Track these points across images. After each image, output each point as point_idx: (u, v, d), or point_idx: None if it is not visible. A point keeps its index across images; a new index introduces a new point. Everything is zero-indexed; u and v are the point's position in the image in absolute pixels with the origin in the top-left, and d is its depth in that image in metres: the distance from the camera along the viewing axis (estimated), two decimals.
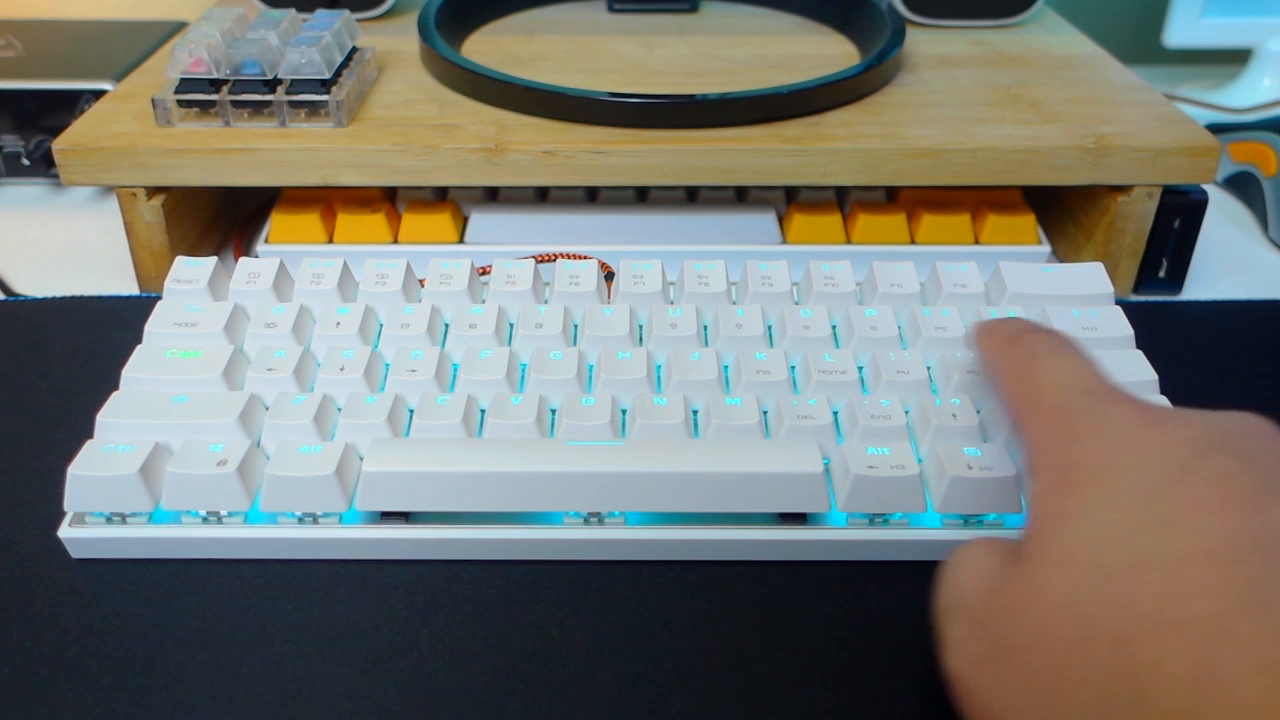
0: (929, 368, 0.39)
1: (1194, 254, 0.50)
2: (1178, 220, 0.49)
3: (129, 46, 0.62)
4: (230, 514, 0.34)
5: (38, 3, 0.75)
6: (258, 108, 0.48)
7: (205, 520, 0.34)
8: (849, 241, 0.51)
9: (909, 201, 0.52)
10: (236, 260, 0.43)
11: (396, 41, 0.58)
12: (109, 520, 0.34)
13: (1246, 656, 0.20)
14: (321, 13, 0.53)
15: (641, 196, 0.53)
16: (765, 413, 0.37)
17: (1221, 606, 0.20)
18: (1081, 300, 0.41)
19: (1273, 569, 0.21)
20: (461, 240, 0.51)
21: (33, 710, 0.30)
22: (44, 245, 0.55)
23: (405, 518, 0.35)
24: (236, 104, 0.48)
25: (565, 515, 0.35)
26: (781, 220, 0.52)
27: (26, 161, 0.59)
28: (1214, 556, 0.21)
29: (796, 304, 0.42)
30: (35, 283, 0.51)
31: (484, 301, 0.42)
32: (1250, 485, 0.23)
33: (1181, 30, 0.68)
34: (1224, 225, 0.59)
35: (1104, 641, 0.21)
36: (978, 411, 0.37)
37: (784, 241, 0.51)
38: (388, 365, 0.39)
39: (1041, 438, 0.27)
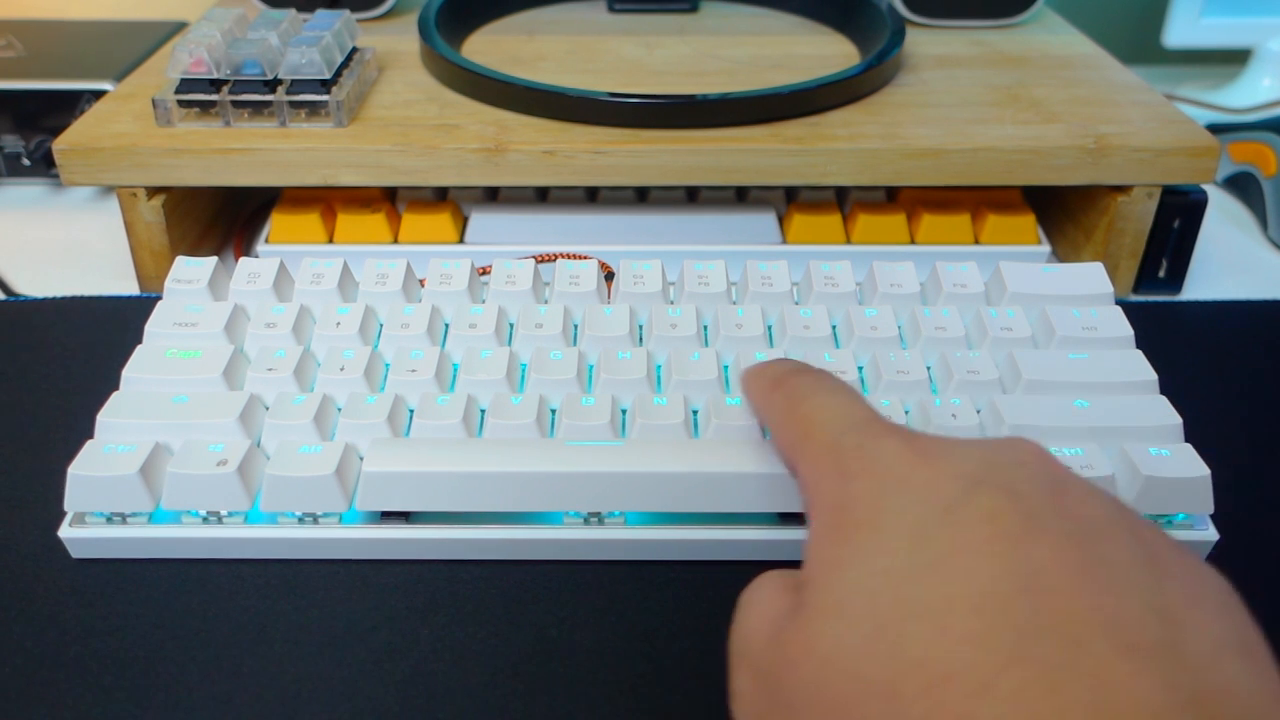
0: (929, 368, 0.39)
1: (1194, 254, 0.50)
2: (1177, 220, 0.49)
3: (129, 46, 0.62)
4: (230, 514, 0.34)
5: (38, 3, 0.75)
6: (258, 108, 0.48)
7: (205, 520, 0.34)
8: (849, 241, 0.51)
9: (909, 201, 0.52)
10: (236, 260, 0.43)
11: (396, 41, 0.58)
12: (109, 520, 0.34)
13: (1008, 713, 0.19)
14: (321, 13, 0.53)
15: (641, 196, 0.53)
16: None
17: (985, 658, 0.20)
18: (1081, 300, 0.41)
19: (1036, 615, 0.20)
20: (461, 240, 0.51)
21: (33, 710, 0.30)
22: (44, 245, 0.55)
23: (405, 518, 0.35)
24: (237, 104, 0.48)
25: (565, 515, 0.35)
26: (781, 220, 0.52)
27: (26, 161, 0.59)
28: (979, 603, 0.20)
29: (796, 304, 0.42)
30: (35, 283, 0.51)
31: (484, 301, 0.42)
32: (1016, 521, 0.22)
33: (1181, 30, 0.68)
34: (1224, 225, 0.59)
35: (875, 696, 0.21)
36: (978, 411, 0.37)
37: (784, 241, 0.51)
38: (388, 365, 0.39)
39: (814, 479, 0.26)
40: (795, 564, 0.35)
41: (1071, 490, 0.23)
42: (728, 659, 0.26)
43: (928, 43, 0.60)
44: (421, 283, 0.43)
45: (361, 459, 0.35)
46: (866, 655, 0.21)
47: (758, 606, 0.25)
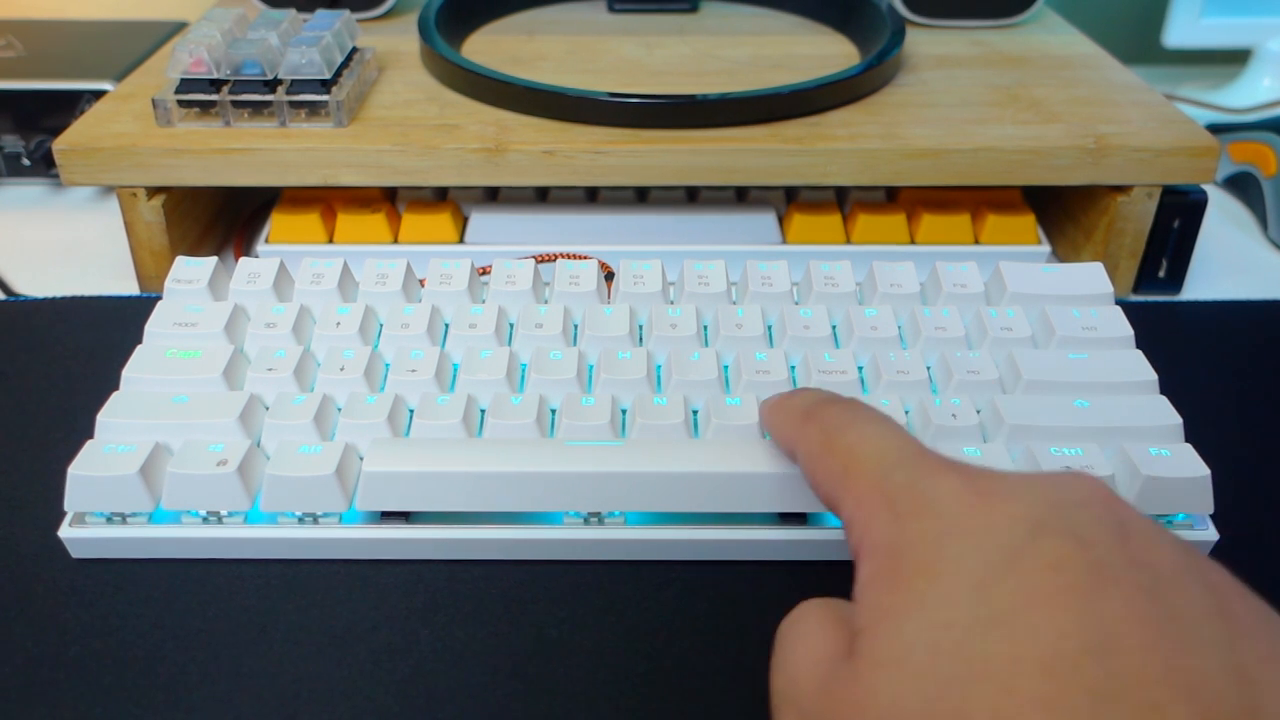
0: (929, 368, 0.39)
1: (1194, 254, 0.50)
2: (1177, 220, 0.49)
3: (129, 46, 0.62)
4: (230, 514, 0.34)
5: (38, 3, 0.75)
6: (258, 108, 0.48)
7: (205, 520, 0.34)
8: (849, 241, 0.51)
9: (909, 201, 0.52)
10: (236, 260, 0.43)
11: (396, 41, 0.58)
12: (109, 520, 0.34)
13: None
14: (321, 13, 0.53)
15: (641, 196, 0.53)
16: None
17: None
18: (1081, 300, 0.41)
19: (1110, 678, 0.19)
20: (461, 240, 0.51)
21: (33, 710, 0.30)
22: (44, 245, 0.55)
23: (405, 518, 0.35)
24: (237, 104, 0.48)
25: (565, 515, 0.35)
26: (781, 220, 0.52)
27: (26, 161, 0.59)
28: (1048, 664, 0.19)
29: (796, 304, 0.42)
30: (35, 283, 0.51)
31: (484, 301, 0.42)
32: (1083, 572, 0.21)
33: (1181, 30, 0.68)
34: (1224, 225, 0.59)
35: None
36: (977, 411, 0.37)
37: (784, 241, 0.51)
38: (388, 365, 0.39)
39: (863, 518, 0.25)
40: (795, 564, 0.35)
41: (1137, 534, 0.22)
42: (770, 696, 0.25)
43: (928, 43, 0.60)
44: (421, 283, 0.43)
45: (361, 459, 0.35)
46: (927, 715, 0.20)
47: (803, 643, 0.25)
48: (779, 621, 0.33)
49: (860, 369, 0.39)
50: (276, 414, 0.36)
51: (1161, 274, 0.50)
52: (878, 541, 0.24)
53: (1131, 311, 0.44)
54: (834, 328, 0.41)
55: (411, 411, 0.37)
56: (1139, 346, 0.40)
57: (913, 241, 0.51)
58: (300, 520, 0.34)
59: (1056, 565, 0.21)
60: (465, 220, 0.52)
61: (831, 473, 0.27)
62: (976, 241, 0.51)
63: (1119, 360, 0.38)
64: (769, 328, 0.41)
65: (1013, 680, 0.20)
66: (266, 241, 0.51)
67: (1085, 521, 0.22)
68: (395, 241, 0.51)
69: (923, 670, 0.21)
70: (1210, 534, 0.35)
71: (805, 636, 0.25)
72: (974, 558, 0.22)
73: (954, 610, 0.21)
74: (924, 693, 0.21)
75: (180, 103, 0.48)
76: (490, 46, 0.59)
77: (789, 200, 0.53)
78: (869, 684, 0.22)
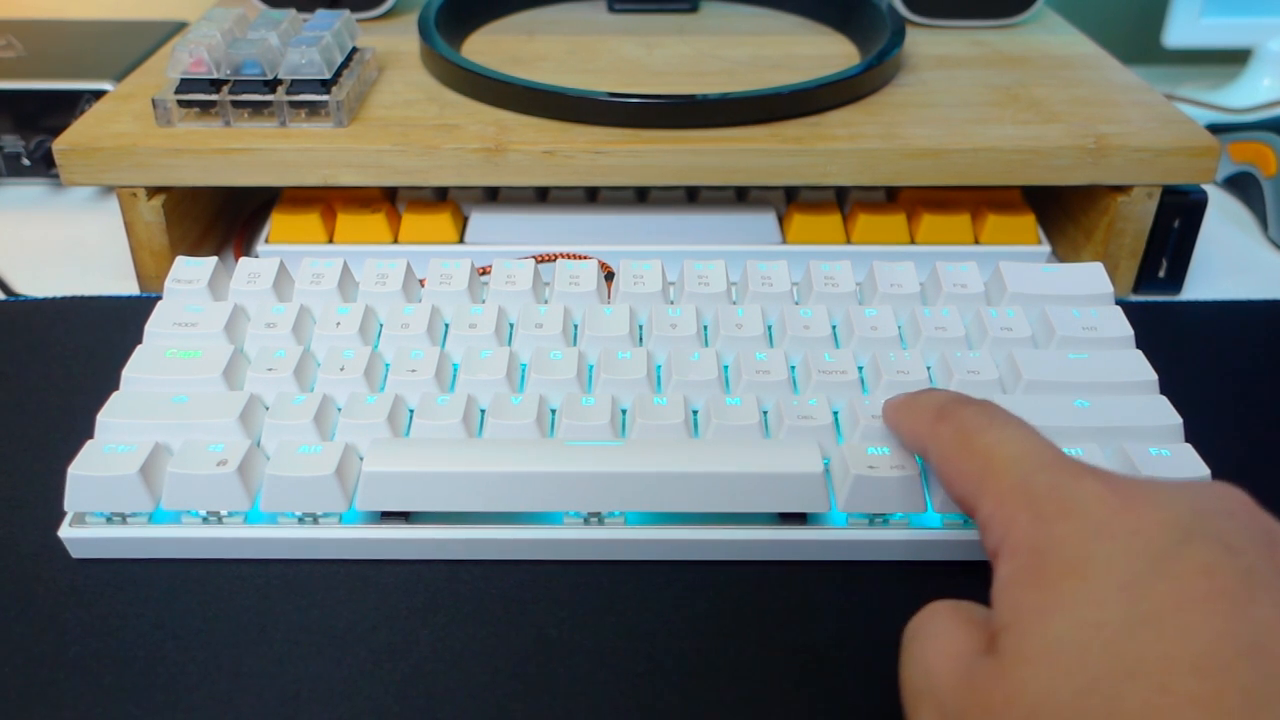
0: (929, 368, 0.39)
1: (1194, 254, 0.50)
2: (1177, 220, 0.49)
3: (129, 46, 0.62)
4: (230, 514, 0.34)
5: (38, 3, 0.75)
6: (258, 108, 0.48)
7: (205, 520, 0.34)
8: (849, 241, 0.51)
9: (909, 201, 0.52)
10: (236, 260, 0.43)
11: (396, 41, 0.58)
12: (109, 520, 0.34)
13: None
14: (321, 13, 0.53)
15: (641, 196, 0.53)
16: (765, 413, 0.37)
17: None
18: (1081, 300, 0.41)
19: (1263, 679, 0.20)
20: (461, 240, 0.51)
21: (33, 710, 0.30)
22: (44, 245, 0.55)
23: (405, 518, 0.35)
24: (236, 104, 0.48)
25: (565, 515, 0.35)
26: (781, 220, 0.52)
27: (26, 161, 0.59)
28: (1202, 664, 0.20)
29: (796, 304, 0.42)
30: (35, 283, 0.51)
31: (484, 301, 0.42)
32: (1234, 578, 0.21)
33: (1181, 30, 0.68)
34: (1224, 225, 0.59)
35: None
36: None
37: (784, 241, 0.51)
38: (388, 365, 0.39)
39: (1004, 519, 0.25)
40: (795, 564, 0.35)
41: None
42: (903, 692, 0.26)
43: (928, 43, 0.60)
44: (421, 283, 0.43)
45: (361, 459, 0.35)
46: (1078, 711, 0.21)
47: (938, 641, 0.25)
48: (779, 621, 0.33)
49: (860, 369, 0.39)
50: (276, 414, 0.36)
51: (1161, 274, 0.50)
52: (1020, 541, 0.24)
53: (1131, 311, 0.44)
54: (834, 328, 0.41)
55: (411, 411, 0.37)
56: (1139, 346, 0.40)
57: (913, 241, 0.51)
58: (300, 520, 0.34)
59: (1207, 570, 0.22)
60: (465, 220, 0.52)
61: (968, 473, 0.27)
62: (976, 241, 0.51)
63: (1119, 360, 0.38)
64: (769, 328, 0.41)
65: (1166, 679, 0.20)
66: (266, 241, 0.51)
67: (1232, 530, 0.23)
68: (395, 241, 0.51)
69: (1072, 666, 0.21)
70: None
71: (939, 635, 0.25)
72: (1123, 560, 0.22)
73: (1104, 610, 0.22)
74: (1074, 687, 0.21)
75: (180, 103, 0.48)
76: (490, 46, 0.59)
77: (789, 200, 0.53)
78: (1016, 679, 0.22)
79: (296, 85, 0.48)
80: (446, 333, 0.41)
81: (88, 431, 0.36)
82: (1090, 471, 0.25)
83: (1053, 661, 0.22)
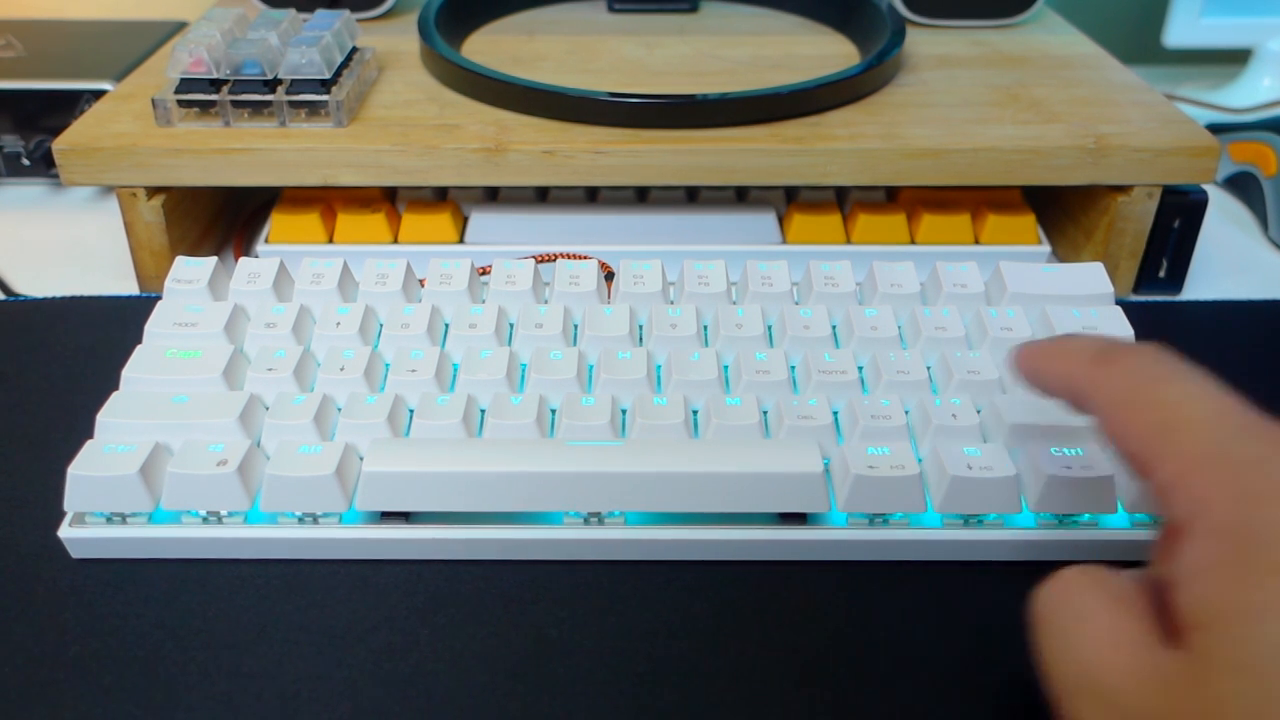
0: (929, 368, 0.39)
1: (1194, 254, 0.50)
2: (1178, 220, 0.49)
3: (129, 46, 0.62)
4: (230, 514, 0.34)
5: (38, 3, 0.75)
6: (258, 108, 0.48)
7: (205, 520, 0.34)
8: (849, 241, 0.51)
9: (909, 201, 0.52)
10: (236, 260, 0.43)
11: (396, 41, 0.58)
12: (109, 520, 0.34)
13: None
14: (321, 13, 0.53)
15: (641, 196, 0.53)
16: (765, 413, 0.37)
17: None
18: (1081, 300, 0.41)
19: None
20: (461, 240, 0.51)
21: (33, 710, 0.30)
22: (44, 245, 0.55)
23: (405, 518, 0.35)
24: (236, 104, 0.48)
25: (565, 515, 0.35)
26: (781, 220, 0.52)
27: (26, 161, 0.59)
28: None
29: (796, 304, 0.42)
30: (35, 283, 0.51)
31: (484, 301, 0.42)
32: None
33: (1181, 30, 0.68)
34: (1224, 225, 0.59)
35: None
36: (978, 411, 0.37)
37: (784, 241, 0.51)
38: (388, 365, 0.39)
39: (1197, 490, 0.22)
40: (795, 564, 0.35)
41: None
42: (1053, 682, 0.23)
43: (928, 43, 0.60)
44: (421, 283, 0.43)
45: (361, 459, 0.35)
46: None
47: (1094, 627, 0.22)
48: (779, 621, 0.33)
49: (860, 369, 0.39)
50: (276, 414, 0.36)
51: (1161, 274, 0.50)
52: (1221, 523, 0.21)
53: (1131, 311, 0.44)
54: (834, 328, 0.41)
55: (411, 411, 0.37)
56: None
57: (913, 241, 0.51)
58: (300, 520, 0.34)
59: None
60: (465, 220, 0.52)
61: (1147, 426, 0.24)
62: (976, 241, 0.51)
63: None
64: (769, 328, 0.41)
65: None
66: (266, 241, 0.51)
67: None
68: (395, 241, 0.51)
69: None
70: None
71: (1093, 617, 0.23)
72: None
73: None
74: None
75: (180, 103, 0.48)
76: (490, 46, 0.59)
77: (789, 200, 0.53)
78: (1223, 690, 0.20)
79: (296, 85, 0.48)
80: (446, 333, 0.41)
81: (88, 431, 0.36)
82: None
83: (1263, 674, 0.19)
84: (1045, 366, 0.29)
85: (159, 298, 0.43)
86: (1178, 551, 0.22)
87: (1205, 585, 0.21)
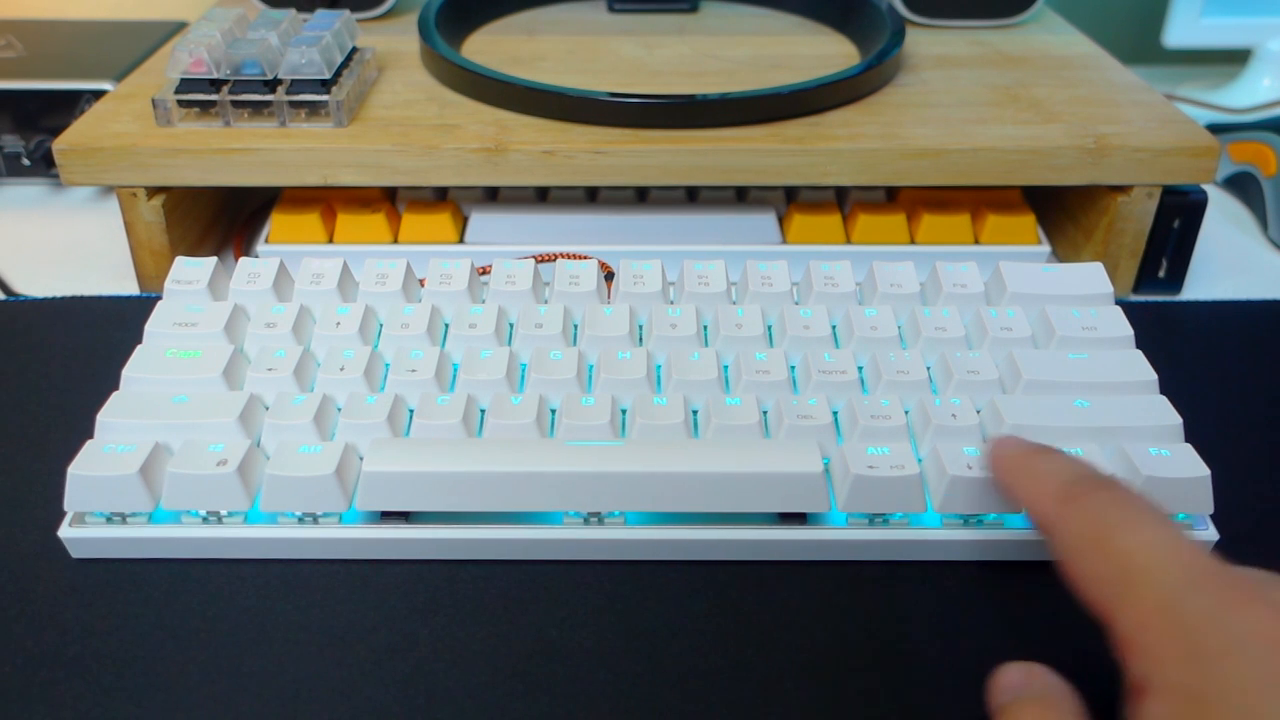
0: (929, 368, 0.39)
1: (1194, 254, 0.50)
2: (1177, 220, 0.49)
3: (129, 46, 0.62)
4: (230, 514, 0.34)
5: (38, 3, 0.75)
6: (258, 108, 0.48)
7: (205, 520, 0.34)
8: (849, 241, 0.51)
9: (909, 201, 0.52)
10: (236, 260, 0.43)
11: (396, 41, 0.58)
12: (109, 520, 0.34)
13: None
14: (321, 13, 0.53)
15: (641, 196, 0.53)
16: (765, 413, 0.37)
17: None
18: (1081, 300, 0.41)
19: None
20: (461, 240, 0.51)
21: (33, 710, 0.30)
22: (44, 245, 0.55)
23: (405, 518, 0.35)
24: (236, 104, 0.48)
25: (565, 515, 0.35)
26: (781, 220, 0.52)
27: (26, 161, 0.59)
28: None
29: (796, 304, 0.42)
30: (35, 283, 0.51)
31: (484, 301, 0.42)
32: None
33: (1181, 30, 0.68)
34: (1224, 225, 0.59)
35: None
36: (978, 411, 0.37)
37: (784, 241, 0.51)
38: (388, 365, 0.39)
39: (1152, 647, 0.22)
40: (795, 564, 0.35)
41: None
42: None
43: (928, 43, 0.60)
44: (421, 283, 0.43)
45: (361, 459, 0.35)
46: None
47: None
48: (779, 621, 0.33)
49: (860, 369, 0.39)
50: (276, 414, 0.36)
51: (1161, 274, 0.50)
52: (1175, 682, 0.22)
53: (1131, 311, 0.44)
54: (834, 328, 0.41)
55: (411, 411, 0.37)
56: (1139, 346, 0.40)
57: (913, 241, 0.51)
58: (300, 520, 0.34)
59: None
60: (465, 220, 0.52)
61: (1103, 578, 0.24)
62: (976, 241, 0.51)
63: (1119, 360, 0.38)
64: (769, 328, 0.41)
65: None
66: (266, 241, 0.51)
67: None
68: (395, 241, 0.51)
69: None
70: (1210, 534, 0.35)
71: None
72: None
73: None
74: None
75: (180, 103, 0.48)
76: (490, 46, 0.59)
77: (789, 200, 0.53)
78: None
79: (296, 85, 0.48)
80: (446, 333, 0.41)
81: (88, 431, 0.36)
82: (1249, 593, 0.22)
83: None
84: (1013, 486, 0.30)
85: (159, 298, 0.43)
86: (1140, 709, 0.23)
87: None
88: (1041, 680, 0.27)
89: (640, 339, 0.41)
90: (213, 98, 0.48)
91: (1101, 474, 0.28)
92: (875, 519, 0.35)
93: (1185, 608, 0.22)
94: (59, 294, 0.49)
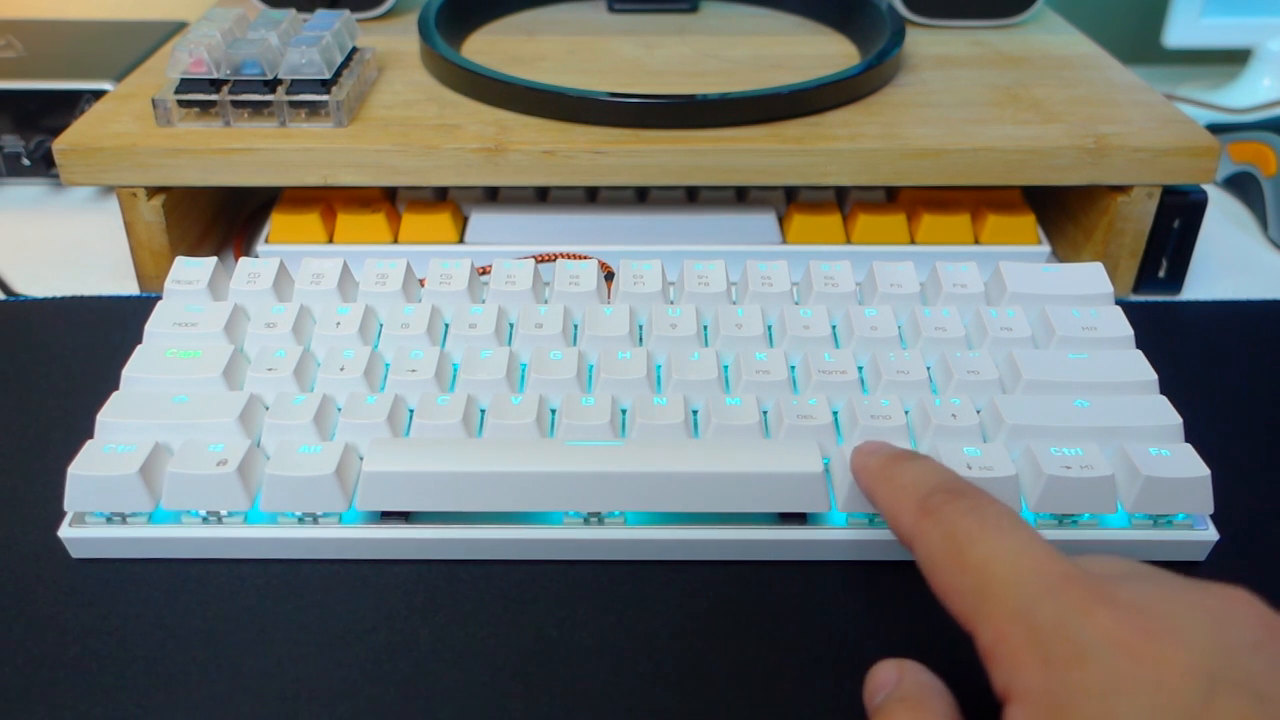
0: (929, 368, 0.39)
1: (1194, 254, 0.50)
2: (1177, 220, 0.49)
3: (129, 46, 0.62)
4: (230, 514, 0.34)
5: (38, 3, 0.75)
6: (258, 108, 0.48)
7: (205, 520, 0.34)
8: (849, 241, 0.51)
9: (909, 201, 0.52)
10: (236, 260, 0.43)
11: (396, 41, 0.58)
12: (109, 520, 0.34)
13: None
14: (321, 13, 0.53)
15: (641, 196, 0.53)
16: (765, 413, 0.37)
17: None
18: (1081, 300, 0.41)
19: None
20: (461, 240, 0.51)
21: (33, 710, 0.30)
22: (44, 245, 0.55)
23: (405, 518, 0.35)
24: (236, 104, 0.48)
25: (565, 515, 0.35)
26: (781, 220, 0.52)
27: (26, 161, 0.59)
28: None
29: (796, 304, 0.42)
30: (35, 283, 0.51)
31: (484, 301, 0.42)
32: None
33: (1181, 30, 0.68)
34: (1224, 225, 0.59)
35: None
36: (978, 411, 0.37)
37: (784, 241, 0.51)
38: (388, 365, 0.39)
39: (1007, 657, 0.23)
40: (795, 564, 0.35)
41: None
42: None
43: (928, 43, 0.60)
44: (421, 283, 0.43)
45: (361, 459, 0.35)
46: None
47: None
48: (779, 621, 0.33)
49: (860, 369, 0.39)
50: (276, 414, 0.36)
51: (1161, 274, 0.50)
52: (1031, 689, 0.22)
53: (1131, 311, 0.44)
54: (834, 328, 0.41)
55: (411, 411, 0.37)
56: (1139, 346, 0.40)
57: (913, 241, 0.51)
58: (300, 520, 0.34)
59: None
60: (465, 220, 0.52)
61: (962, 590, 0.25)
62: (976, 241, 0.51)
63: (1119, 360, 0.38)
64: (769, 328, 0.41)
65: None
66: (266, 241, 0.51)
67: (1260, 672, 0.21)
68: (395, 241, 0.51)
69: None
70: (1210, 534, 0.35)
71: None
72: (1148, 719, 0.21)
73: None
74: None
75: (180, 103, 0.48)
76: (490, 46, 0.59)
77: (789, 200, 0.53)
78: None
79: (296, 85, 0.48)
80: (446, 333, 0.41)
81: (88, 431, 0.36)
82: (1098, 597, 0.23)
83: None
84: (874, 497, 0.30)
85: (159, 298, 0.43)
86: (1005, 717, 0.23)
87: None
88: (913, 677, 0.27)
89: (640, 339, 0.41)
90: (213, 98, 0.48)
91: (958, 481, 0.28)
92: (875, 519, 0.35)
93: (1036, 616, 0.23)
94: (59, 294, 0.49)
